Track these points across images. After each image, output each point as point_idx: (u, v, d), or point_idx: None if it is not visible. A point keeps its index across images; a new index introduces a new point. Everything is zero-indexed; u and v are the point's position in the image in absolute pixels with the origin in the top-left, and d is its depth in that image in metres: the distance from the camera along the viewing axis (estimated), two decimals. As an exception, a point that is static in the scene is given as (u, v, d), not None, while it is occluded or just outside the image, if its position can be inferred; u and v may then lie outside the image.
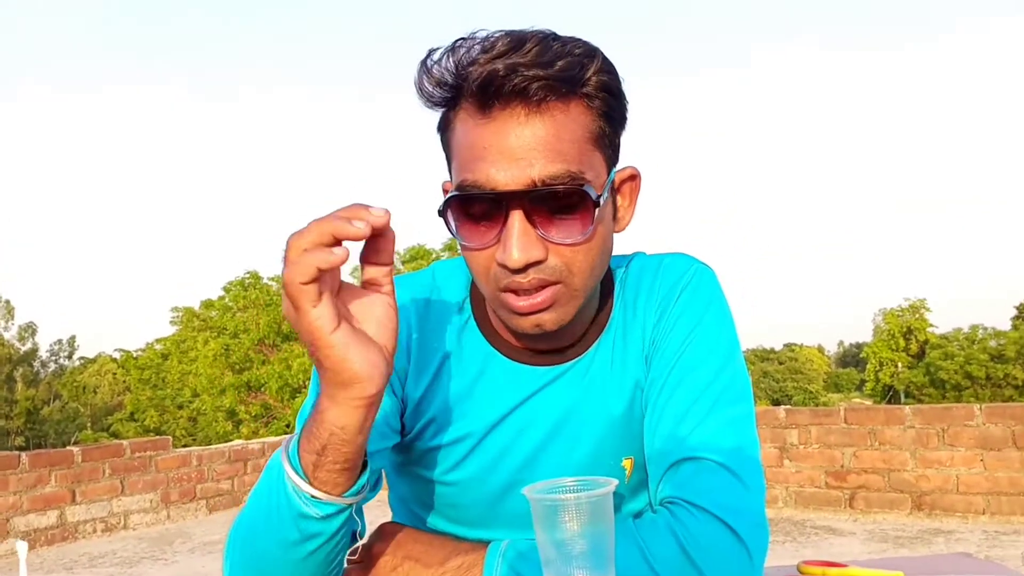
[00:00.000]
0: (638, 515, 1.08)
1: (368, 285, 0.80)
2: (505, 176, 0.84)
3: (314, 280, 0.71)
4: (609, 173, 0.91)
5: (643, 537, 0.85)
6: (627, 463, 1.02)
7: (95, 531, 6.15)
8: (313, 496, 0.79)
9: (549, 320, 0.89)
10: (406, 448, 1.04)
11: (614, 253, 1.02)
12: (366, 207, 0.74)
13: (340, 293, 0.78)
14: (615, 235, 0.97)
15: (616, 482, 0.73)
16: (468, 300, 1.03)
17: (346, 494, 0.81)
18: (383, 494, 1.11)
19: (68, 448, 6.20)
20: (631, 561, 0.83)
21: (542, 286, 0.87)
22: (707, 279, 1.01)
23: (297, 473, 0.80)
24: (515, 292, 0.88)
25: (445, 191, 0.96)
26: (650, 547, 0.84)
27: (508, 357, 1.00)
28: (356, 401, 0.76)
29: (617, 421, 1.00)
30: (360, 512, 0.96)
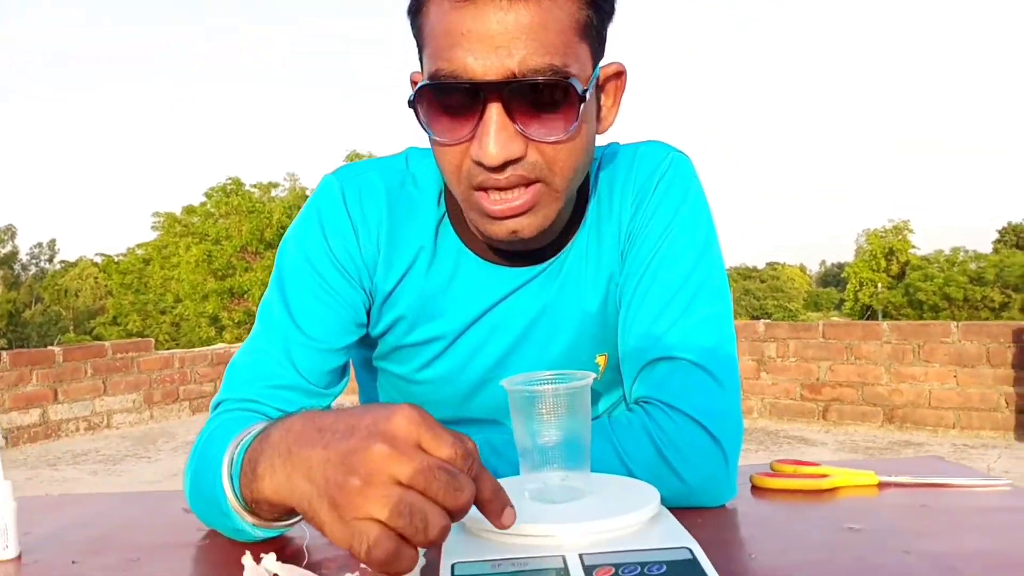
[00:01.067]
0: (610, 411, 1.08)
1: None
2: (483, 65, 0.77)
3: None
4: (594, 67, 0.85)
5: (617, 436, 0.84)
6: (601, 360, 1.01)
7: (78, 429, 6.22)
8: (255, 524, 0.73)
9: (527, 226, 0.84)
10: (374, 344, 1.02)
11: None
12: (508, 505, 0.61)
13: None
14: (596, 136, 0.92)
15: (594, 376, 0.72)
16: (443, 194, 0.97)
17: (292, 519, 0.74)
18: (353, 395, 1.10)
19: (49, 348, 6.21)
20: (605, 459, 0.82)
21: (520, 184, 0.82)
22: (684, 169, 0.97)
23: (237, 500, 0.71)
24: (487, 191, 0.82)
25: (414, 83, 0.87)
26: (624, 447, 0.83)
27: (482, 257, 0.96)
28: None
29: (591, 318, 0.98)
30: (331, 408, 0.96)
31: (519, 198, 0.82)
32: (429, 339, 0.98)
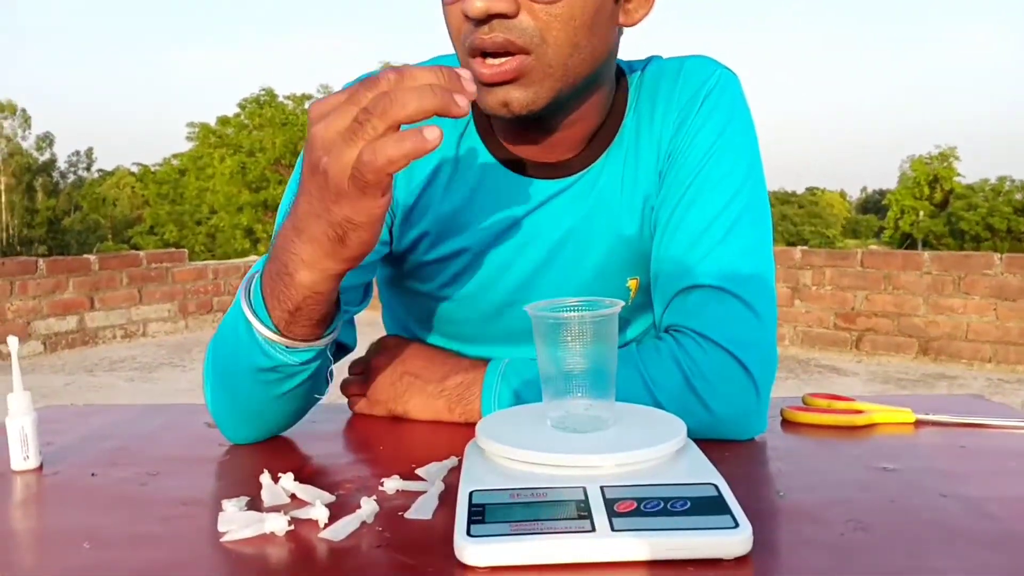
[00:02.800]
0: (640, 338, 1.05)
1: None
2: None
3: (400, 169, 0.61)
4: None
5: (645, 365, 0.82)
6: (632, 283, 0.97)
7: (115, 337, 6.36)
8: (289, 347, 0.75)
9: (517, 99, 0.80)
10: (398, 260, 0.99)
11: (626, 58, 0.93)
12: (457, 73, 0.63)
13: None
14: (624, 29, 0.86)
15: (621, 304, 0.68)
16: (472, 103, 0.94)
17: (323, 336, 0.77)
18: (376, 313, 1.08)
19: (85, 256, 6.30)
20: (632, 388, 0.80)
21: (509, 51, 0.77)
22: (731, 88, 0.92)
23: (269, 328, 0.75)
24: (482, 57, 0.78)
25: None
26: (652, 375, 0.81)
27: (509, 168, 0.92)
28: (341, 268, 0.71)
29: (624, 240, 0.94)
30: (351, 324, 0.94)
31: (507, 63, 0.78)
32: (451, 254, 0.95)
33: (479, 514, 0.57)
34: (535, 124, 0.86)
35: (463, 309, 0.99)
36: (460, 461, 0.71)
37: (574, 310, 0.70)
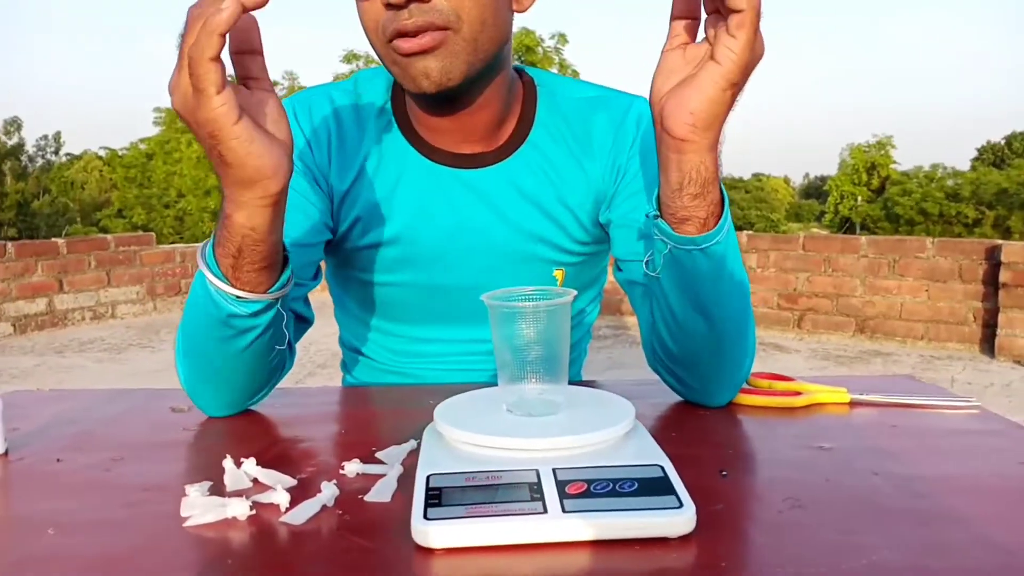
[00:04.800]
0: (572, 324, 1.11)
1: (246, 81, 0.73)
2: None
3: (217, 56, 0.64)
4: None
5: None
6: (558, 274, 1.05)
7: (84, 319, 6.27)
8: (238, 297, 0.79)
9: (436, 69, 0.86)
10: (337, 249, 1.05)
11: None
12: None
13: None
14: (515, 14, 0.94)
15: (574, 293, 0.72)
16: (390, 103, 1.01)
17: (271, 290, 0.80)
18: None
19: (53, 240, 6.21)
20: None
21: (428, 29, 0.84)
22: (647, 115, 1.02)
23: (217, 277, 0.78)
24: (402, 37, 0.85)
25: None
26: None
27: (429, 158, 0.99)
28: (263, 200, 0.73)
29: (543, 234, 1.02)
30: (306, 301, 0.97)
31: (426, 36, 0.84)
32: (384, 241, 1.01)
33: (435, 497, 0.59)
34: (448, 105, 0.94)
35: (404, 294, 1.05)
36: (419, 444, 0.73)
37: (528, 299, 0.72)
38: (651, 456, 0.65)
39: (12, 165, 45.43)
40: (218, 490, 0.67)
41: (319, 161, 0.99)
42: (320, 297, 1.01)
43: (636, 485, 0.60)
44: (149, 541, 0.59)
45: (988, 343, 4.98)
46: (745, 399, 0.90)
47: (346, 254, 1.04)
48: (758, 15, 0.67)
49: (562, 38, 20.71)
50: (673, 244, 0.79)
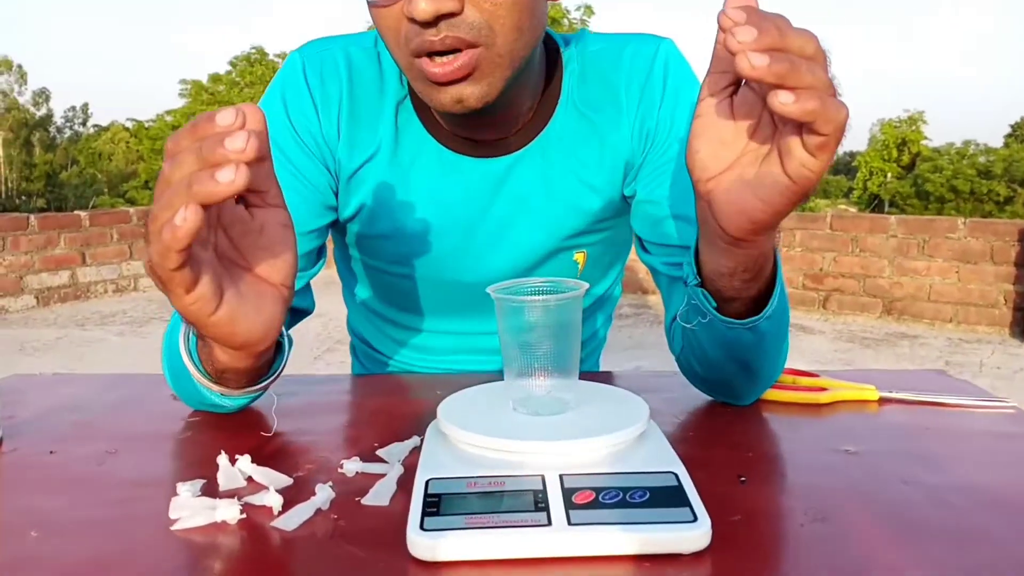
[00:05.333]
0: (590, 309, 1.06)
1: (248, 196, 0.61)
2: None
3: (184, 263, 0.55)
4: None
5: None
6: (579, 257, 0.98)
7: (106, 291, 6.35)
8: (225, 395, 0.75)
9: (472, 94, 0.76)
10: (343, 231, 0.98)
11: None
12: (211, 119, 0.52)
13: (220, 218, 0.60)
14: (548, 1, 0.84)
15: (586, 286, 0.67)
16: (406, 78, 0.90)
17: (264, 379, 0.76)
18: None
19: (76, 212, 6.29)
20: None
21: (458, 47, 0.74)
22: (677, 58, 0.92)
23: (200, 373, 0.74)
24: (430, 56, 0.75)
25: None
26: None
27: (445, 146, 0.90)
28: (250, 357, 0.69)
29: (569, 217, 0.94)
30: (307, 288, 0.93)
31: (458, 60, 0.74)
32: (393, 232, 0.94)
33: (434, 505, 0.55)
34: (479, 111, 0.82)
35: (416, 285, 0.99)
36: (423, 440, 0.69)
37: (537, 292, 0.68)
38: (665, 462, 0.61)
39: (41, 136, 46.04)
40: (211, 488, 0.64)
41: (326, 132, 0.89)
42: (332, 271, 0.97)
43: (647, 495, 0.56)
44: (134, 545, 0.56)
45: (1019, 327, 4.88)
46: (768, 395, 0.86)
47: (351, 238, 0.98)
48: (842, 136, 0.57)
49: (588, 9, 20.46)
50: (715, 318, 0.74)
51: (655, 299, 5.65)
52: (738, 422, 0.80)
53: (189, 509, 0.60)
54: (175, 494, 0.62)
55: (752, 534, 0.56)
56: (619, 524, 0.53)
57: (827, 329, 5.13)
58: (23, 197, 40.96)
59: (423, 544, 0.52)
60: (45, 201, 39.74)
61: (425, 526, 0.53)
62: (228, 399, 0.76)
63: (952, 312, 5.10)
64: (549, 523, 0.53)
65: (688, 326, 0.78)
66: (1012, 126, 49.85)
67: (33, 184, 42.74)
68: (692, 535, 0.53)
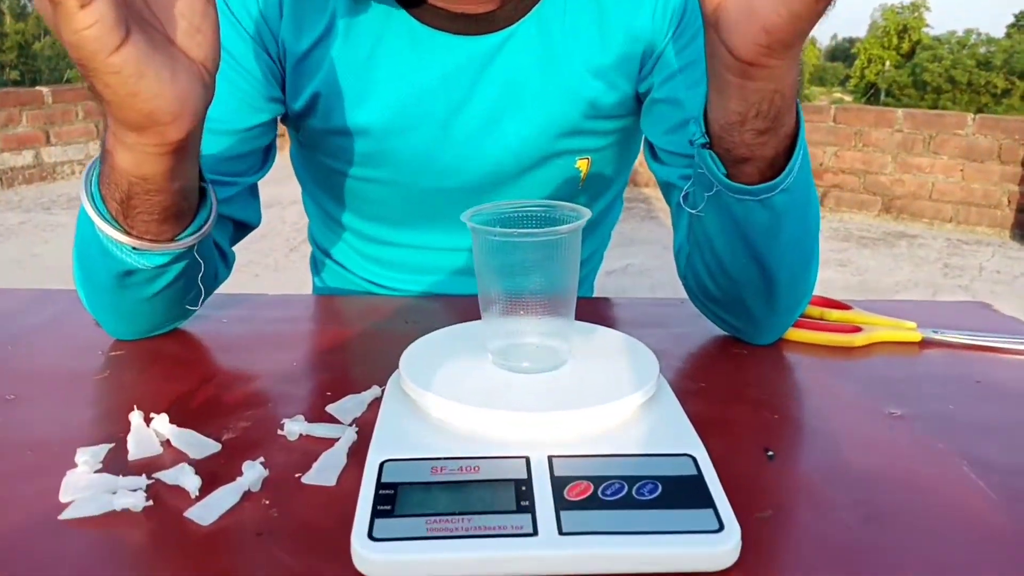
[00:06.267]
0: (591, 229, 0.92)
1: None
2: None
3: None
4: None
5: None
6: (582, 164, 0.82)
7: (73, 173, 6.08)
8: (134, 248, 0.60)
9: None
10: (297, 126, 0.82)
11: None
12: None
13: None
14: None
15: (588, 214, 0.53)
16: None
17: (181, 236, 0.61)
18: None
19: (37, 88, 5.88)
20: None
21: None
22: None
23: (105, 220, 0.59)
24: None
25: None
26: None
27: (418, 19, 0.75)
28: (157, 148, 0.53)
29: (571, 112, 0.78)
30: (253, 196, 0.78)
31: None
32: (354, 127, 0.78)
33: (388, 500, 0.43)
34: None
35: (383, 191, 0.83)
36: (383, 392, 0.57)
37: (526, 220, 0.55)
38: (680, 438, 0.49)
39: (11, 4, 44.06)
40: (118, 457, 0.52)
41: (266, 10, 0.74)
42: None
43: (659, 489, 0.44)
44: (9, 538, 0.44)
45: (1021, 229, 4.76)
46: (793, 334, 0.74)
47: (305, 136, 0.83)
48: None
49: None
50: (722, 188, 0.61)
51: (648, 191, 5.49)
52: (759, 371, 0.68)
53: (84, 491, 0.48)
54: (73, 465, 0.50)
55: (788, 541, 0.45)
56: (622, 534, 0.41)
57: (823, 227, 4.99)
58: (-6, 72, 39.68)
59: (372, 560, 0.40)
60: (19, 73, 38.35)
61: (375, 533, 0.41)
62: (139, 256, 0.61)
63: (952, 212, 4.97)
64: (535, 532, 0.41)
65: (695, 212, 0.66)
66: (1016, 15, 48.57)
67: (4, 55, 41.11)
68: (717, 551, 0.41)
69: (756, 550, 0.43)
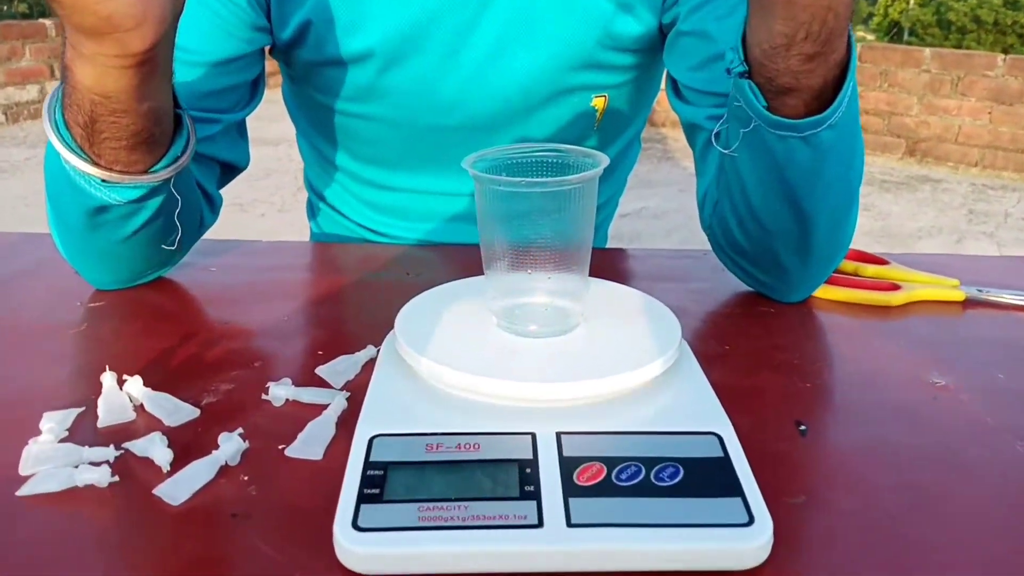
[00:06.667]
0: (606, 175, 0.85)
1: None
2: None
3: None
4: None
5: None
6: (598, 102, 0.76)
7: None
8: (103, 180, 0.54)
9: None
10: (286, 59, 0.76)
11: None
12: None
13: None
14: None
15: (606, 160, 0.47)
16: None
17: (155, 168, 0.56)
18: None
19: (40, 21, 5.75)
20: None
21: None
22: None
23: (70, 149, 0.54)
24: None
25: None
26: None
27: None
28: (119, 60, 0.47)
29: (588, 36, 0.72)
30: (240, 136, 0.72)
31: None
32: (347, 57, 0.72)
33: (376, 483, 0.39)
34: None
35: (380, 129, 0.77)
36: (379, 353, 0.52)
37: (535, 167, 0.49)
38: (704, 413, 0.44)
39: (21, -65, 43.39)
40: (87, 423, 0.48)
41: None
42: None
43: (681, 473, 0.39)
44: (-42, 519, 0.40)
45: (1047, 173, 4.64)
46: (825, 291, 0.68)
47: (296, 68, 0.77)
48: None
49: None
50: (761, 123, 0.54)
51: (665, 131, 5.37)
52: (789, 333, 0.63)
53: (45, 463, 0.43)
54: (38, 432, 0.46)
55: (825, 534, 0.40)
56: (638, 527, 0.36)
57: (844, 169, 4.87)
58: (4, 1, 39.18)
59: (357, 554, 0.36)
60: (27, 6, 38.00)
61: (361, 522, 0.36)
62: (110, 189, 0.55)
63: (978, 156, 4.83)
64: (539, 523, 0.36)
65: (727, 152, 0.60)
66: (1053, -50, 47.11)
67: (13, -14, 40.73)
68: (746, 547, 0.36)
69: (787, 543, 0.38)
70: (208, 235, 0.76)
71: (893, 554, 0.38)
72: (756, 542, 0.36)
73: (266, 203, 3.65)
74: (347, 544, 0.36)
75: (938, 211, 4.01)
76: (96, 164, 0.54)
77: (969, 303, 0.68)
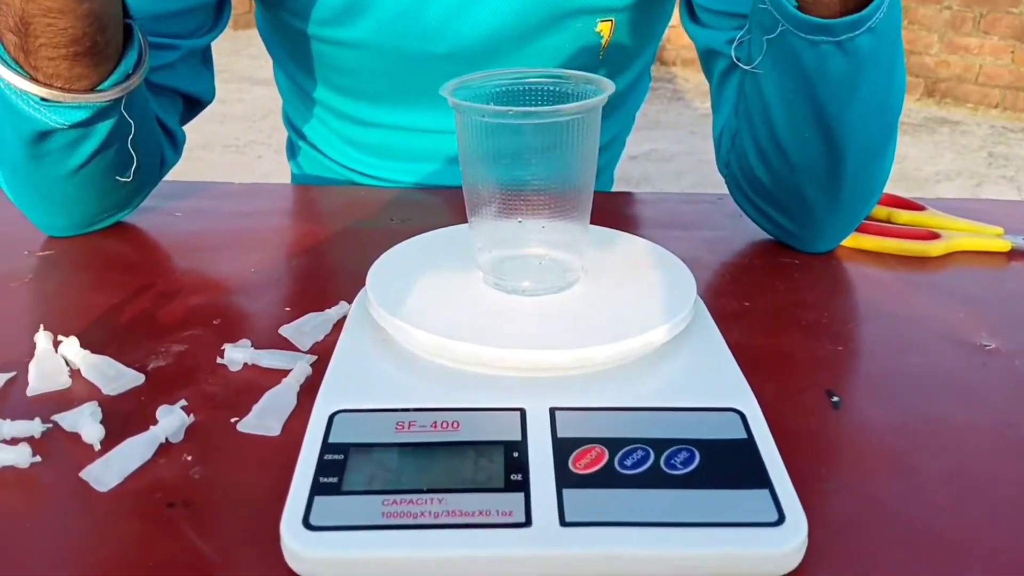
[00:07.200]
0: (613, 109, 0.77)
1: None
2: None
3: None
4: None
5: None
6: (604, 27, 0.68)
7: None
8: (43, 99, 0.48)
9: None
10: None
11: None
12: None
13: None
14: None
15: (611, 87, 0.40)
16: None
17: (103, 86, 0.49)
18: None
19: None
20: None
21: None
22: None
23: (2, 61, 0.47)
24: None
25: None
26: None
27: None
28: None
29: None
30: (203, 66, 0.65)
31: None
32: None
33: (334, 470, 0.33)
34: None
35: (362, 57, 0.69)
36: (349, 313, 0.46)
37: (528, 95, 0.42)
38: (723, 385, 0.38)
39: None
40: (18, 388, 0.42)
41: None
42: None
43: (696, 458, 0.33)
44: None
45: (1069, 114, 4.49)
46: (855, 240, 0.61)
47: None
48: None
49: None
50: (789, 27, 0.47)
51: (675, 69, 5.22)
52: (816, 287, 0.56)
53: (-42, 440, 0.37)
54: (-43, 403, 0.40)
55: (861, 528, 0.34)
56: (645, 526, 0.30)
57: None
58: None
59: (306, 558, 0.30)
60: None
61: (313, 520, 0.31)
62: (51, 110, 0.49)
63: (999, 96, 4.68)
64: (527, 521, 0.30)
65: (750, 68, 0.53)
66: None
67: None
68: (776, 552, 0.30)
69: (821, 540, 0.32)
70: (190, 176, 0.69)
71: (948, 558, 0.32)
72: (787, 545, 0.30)
73: (264, 144, 3.55)
74: (295, 546, 0.30)
75: (956, 154, 3.89)
76: (34, 80, 0.47)
77: (1015, 253, 0.61)
